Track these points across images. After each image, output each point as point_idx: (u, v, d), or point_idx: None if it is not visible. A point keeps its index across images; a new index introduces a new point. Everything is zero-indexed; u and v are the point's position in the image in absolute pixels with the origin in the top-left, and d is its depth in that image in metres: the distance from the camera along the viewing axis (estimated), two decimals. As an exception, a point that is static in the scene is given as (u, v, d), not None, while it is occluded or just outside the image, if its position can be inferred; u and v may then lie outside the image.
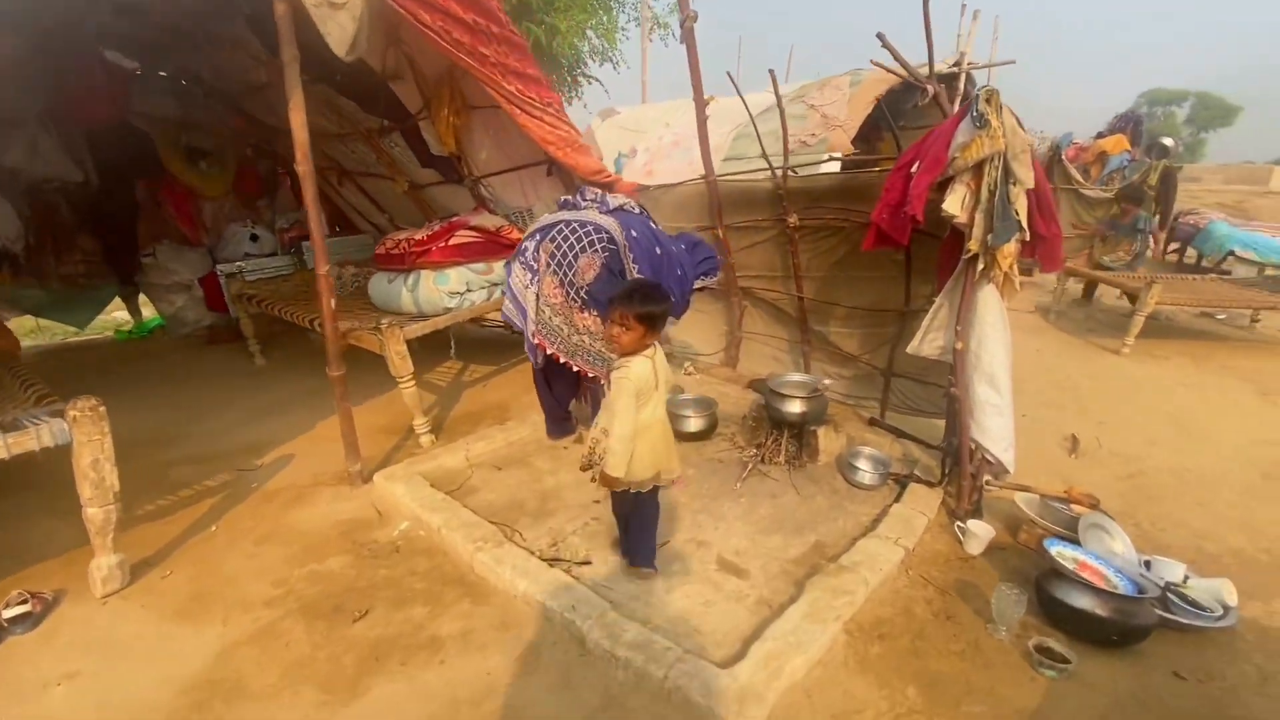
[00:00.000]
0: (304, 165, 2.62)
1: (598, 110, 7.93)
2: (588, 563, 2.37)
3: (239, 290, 4.78)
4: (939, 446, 2.88)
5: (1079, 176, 7.85)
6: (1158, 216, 8.01)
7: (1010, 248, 2.32)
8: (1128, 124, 11.58)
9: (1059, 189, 7.70)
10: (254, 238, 5.62)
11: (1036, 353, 5.16)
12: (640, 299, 1.99)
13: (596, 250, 2.71)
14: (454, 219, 3.88)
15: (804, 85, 6.19)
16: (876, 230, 2.63)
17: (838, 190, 3.29)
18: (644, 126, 7.03)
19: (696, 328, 4.30)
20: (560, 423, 3.38)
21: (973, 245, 2.35)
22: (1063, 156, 7.68)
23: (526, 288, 2.86)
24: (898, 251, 3.14)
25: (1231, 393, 4.31)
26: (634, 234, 2.77)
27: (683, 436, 3.24)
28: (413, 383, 3.37)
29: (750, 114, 3.54)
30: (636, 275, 2.68)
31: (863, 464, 2.94)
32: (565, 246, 2.75)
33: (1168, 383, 4.51)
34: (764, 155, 3.35)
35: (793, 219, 3.40)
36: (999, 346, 2.48)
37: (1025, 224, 2.31)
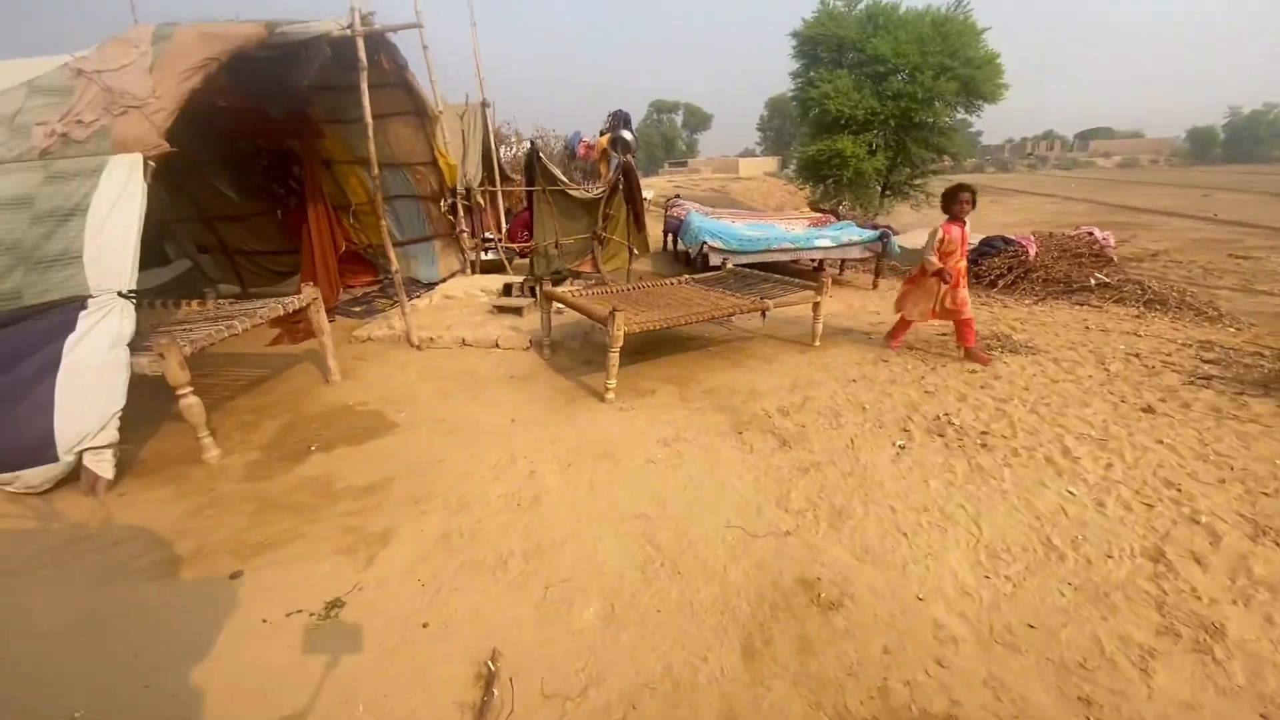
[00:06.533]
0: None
1: None
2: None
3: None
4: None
5: (562, 176, 7.02)
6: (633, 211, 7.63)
7: None
8: (617, 120, 11.93)
9: (546, 191, 6.77)
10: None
11: (511, 424, 3.68)
12: None
13: None
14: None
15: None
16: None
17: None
18: None
19: None
20: None
21: None
22: (540, 156, 6.71)
23: None
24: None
25: (709, 442, 3.43)
26: None
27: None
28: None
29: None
30: None
31: None
32: None
33: (642, 439, 3.43)
34: None
35: None
36: None
37: None
